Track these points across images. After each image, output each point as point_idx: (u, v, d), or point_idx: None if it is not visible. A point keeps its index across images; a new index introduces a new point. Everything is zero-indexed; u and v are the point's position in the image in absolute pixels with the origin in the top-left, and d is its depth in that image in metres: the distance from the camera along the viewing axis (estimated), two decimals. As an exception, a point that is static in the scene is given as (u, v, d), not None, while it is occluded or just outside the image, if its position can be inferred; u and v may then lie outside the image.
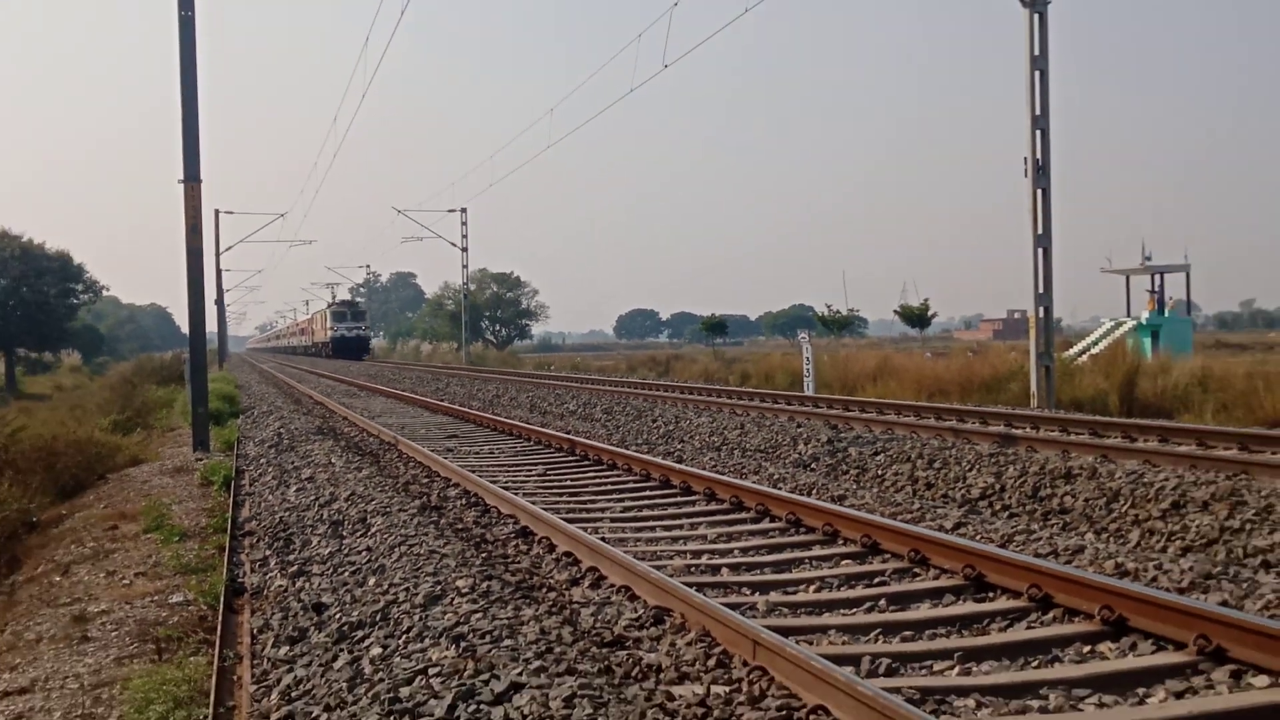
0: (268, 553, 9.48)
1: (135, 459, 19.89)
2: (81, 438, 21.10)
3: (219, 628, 7.26)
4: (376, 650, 6.16)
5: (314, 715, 5.40)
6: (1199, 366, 25.61)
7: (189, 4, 18.01)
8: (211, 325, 68.78)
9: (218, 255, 67.08)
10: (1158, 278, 45.31)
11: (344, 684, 5.72)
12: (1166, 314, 43.41)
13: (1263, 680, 5.28)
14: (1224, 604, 6.62)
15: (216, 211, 65.68)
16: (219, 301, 75.25)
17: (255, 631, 7.22)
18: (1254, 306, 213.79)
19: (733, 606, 6.69)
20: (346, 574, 8.16)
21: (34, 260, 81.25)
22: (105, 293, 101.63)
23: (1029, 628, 6.42)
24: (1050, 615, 6.56)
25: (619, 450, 14.62)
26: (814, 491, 11.68)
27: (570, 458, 15.25)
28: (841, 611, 6.96)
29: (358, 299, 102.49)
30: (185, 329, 20.05)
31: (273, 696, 5.87)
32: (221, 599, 7.93)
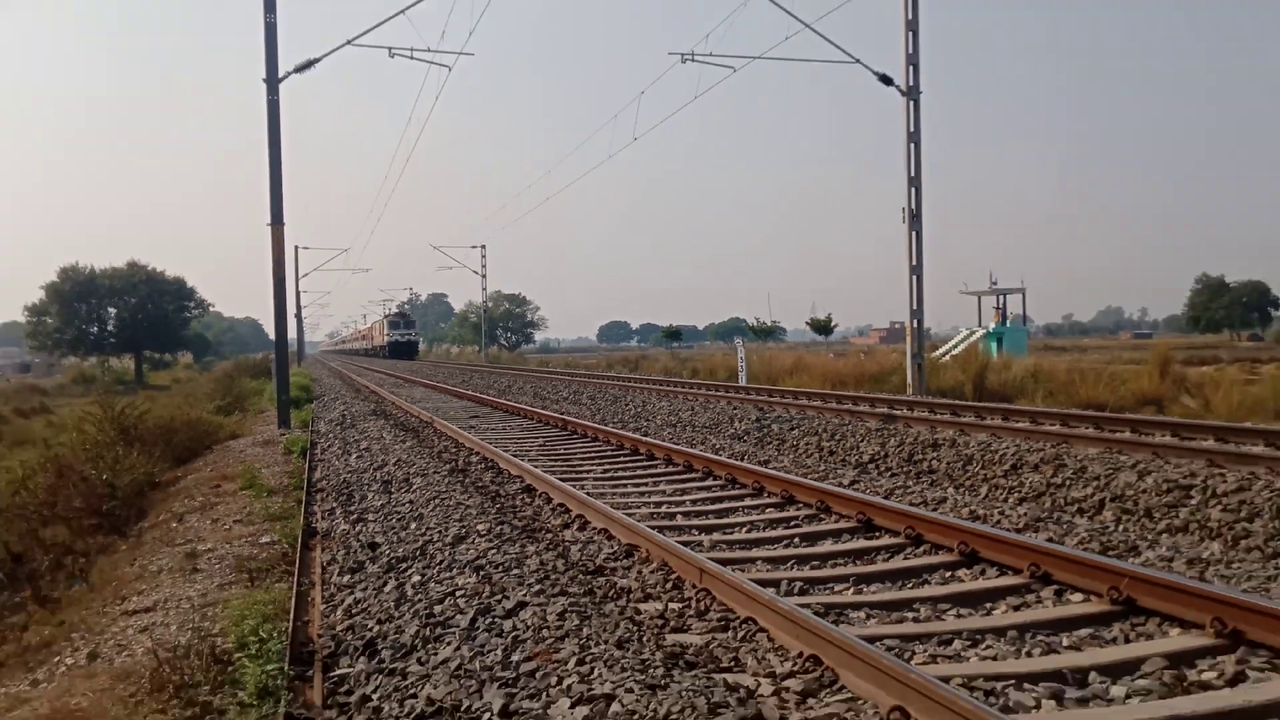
0: (334, 505, 9.41)
1: (234, 434, 19.70)
2: (192, 418, 20.88)
3: (297, 561, 7.20)
4: (416, 578, 6.13)
5: (369, 626, 5.37)
6: (1032, 364, 25.79)
7: (275, 91, 17.90)
8: (291, 333, 68.61)
9: (297, 280, 66.57)
10: (1002, 297, 45.60)
11: (391, 603, 5.69)
12: (1008, 324, 43.69)
13: (1078, 597, 5.32)
14: (1050, 539, 6.68)
15: (296, 247, 65.32)
16: (298, 315, 74.58)
17: (324, 564, 7.17)
18: (1072, 319, 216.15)
19: (685, 544, 6.69)
20: (394, 520, 8.12)
21: (157, 284, 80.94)
22: (211, 308, 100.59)
23: (905, 559, 6.43)
24: (922, 549, 6.58)
25: (600, 427, 14.60)
26: (745, 457, 11.70)
27: (563, 432, 15.22)
28: (766, 547, 6.97)
29: (407, 310, 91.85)
30: (272, 336, 19.91)
31: (338, 613, 5.84)
32: (299, 540, 7.86)
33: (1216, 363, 35.10)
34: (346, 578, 6.57)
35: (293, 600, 6.01)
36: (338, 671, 4.80)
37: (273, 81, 17.83)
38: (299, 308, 74.16)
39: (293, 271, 63.77)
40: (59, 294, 77.58)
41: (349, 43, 19.25)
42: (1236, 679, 4.10)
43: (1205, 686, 4.06)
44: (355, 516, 8.60)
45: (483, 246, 66.29)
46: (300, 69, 18.56)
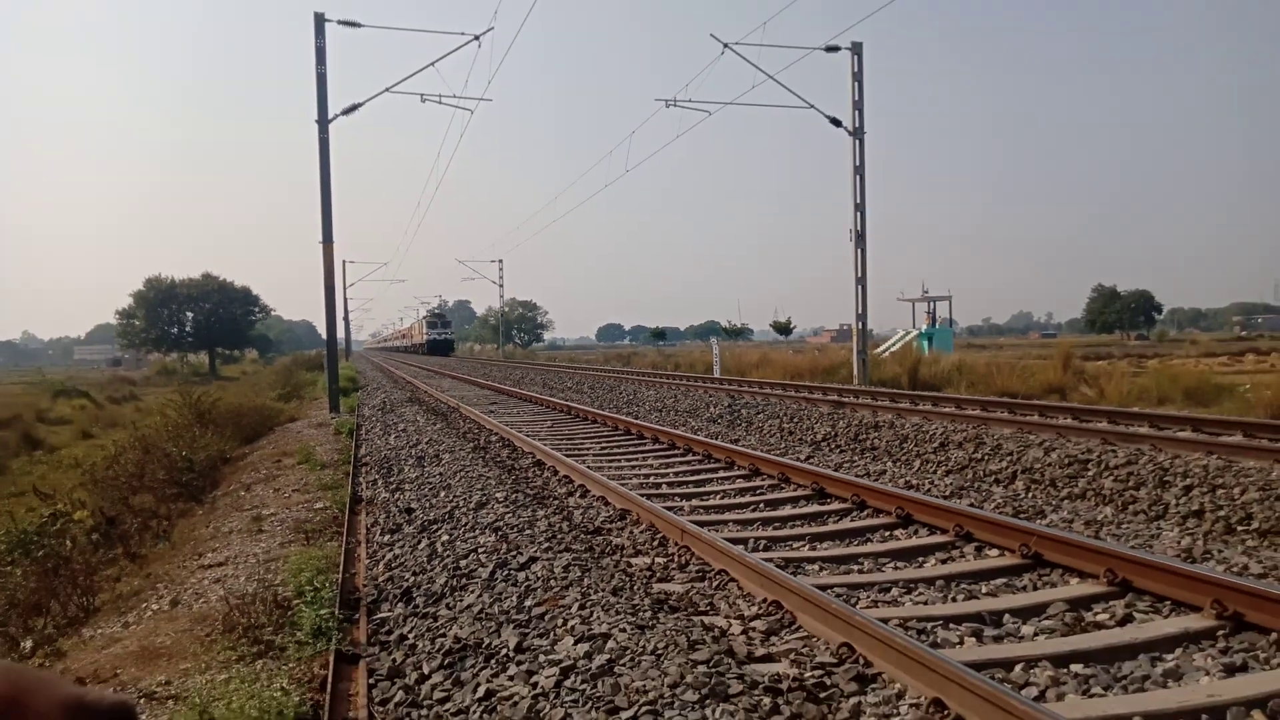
0: (376, 476, 9.37)
1: (292, 418, 19.60)
2: (257, 404, 20.79)
3: (345, 524, 7.17)
4: (445, 537, 6.11)
5: (405, 577, 5.35)
6: (957, 359, 25.79)
7: (325, 130, 17.81)
8: (340, 333, 68.33)
9: (345, 289, 66.00)
10: (932, 303, 45.68)
11: (424, 558, 5.67)
12: (937, 326, 43.75)
13: (995, 553, 5.34)
14: (971, 505, 6.69)
15: (344, 262, 65.06)
16: (345, 318, 74.24)
17: (368, 526, 7.14)
18: (990, 322, 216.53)
19: (669, 508, 6.69)
20: (426, 489, 8.09)
21: (227, 292, 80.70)
22: (273, 312, 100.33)
23: (852, 521, 6.44)
24: (865, 513, 6.59)
25: (598, 411, 14.58)
26: (719, 437, 11.70)
27: (567, 416, 15.19)
28: (735, 511, 6.97)
29: (443, 311, 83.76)
30: (324, 336, 19.84)
31: (379, 566, 5.81)
32: (347, 506, 7.83)
33: (1109, 358, 35.23)
34: (387, 537, 6.54)
35: (342, 556, 5.98)
36: (379, 615, 4.79)
37: (323, 122, 17.73)
38: (346, 312, 73.82)
39: (341, 282, 63.55)
40: (145, 300, 77.38)
41: (387, 90, 19.15)
42: (1125, 620, 4.13)
43: (1099, 626, 4.08)
44: (394, 486, 8.57)
45: (500, 260, 66.03)
46: (346, 112, 18.45)
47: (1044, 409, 12.45)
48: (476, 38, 17.99)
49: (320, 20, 17.38)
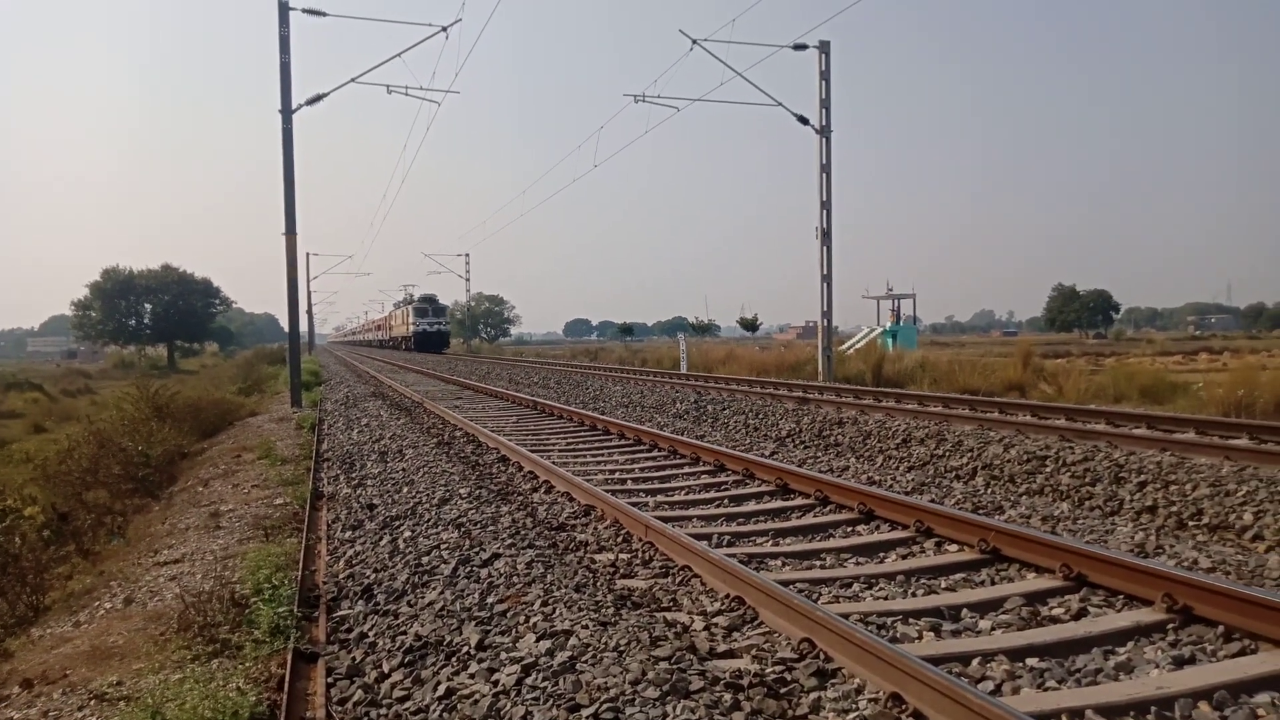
0: (338, 472, 9.26)
1: (253, 412, 19.33)
2: (217, 398, 20.47)
3: (305, 520, 7.07)
4: (408, 533, 6.06)
5: (366, 574, 5.29)
6: (920, 356, 26.11)
7: (289, 120, 17.54)
8: (303, 327, 67.44)
9: (308, 282, 65.24)
10: (896, 301, 46.22)
11: (386, 554, 5.62)
12: (901, 324, 44.25)
13: (955, 548, 5.40)
14: (932, 500, 6.77)
15: (307, 254, 64.20)
16: (308, 311, 73.38)
17: (329, 522, 7.05)
18: (953, 319, 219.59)
19: (634, 504, 6.68)
20: (389, 485, 8.01)
21: (187, 283, 79.43)
22: (234, 305, 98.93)
23: (815, 516, 6.46)
24: (828, 508, 6.62)
25: (564, 407, 14.54)
26: (685, 433, 11.71)
27: (534, 411, 15.13)
28: (700, 507, 6.97)
29: (436, 296, 64.21)
30: (286, 329, 19.57)
31: (340, 563, 5.74)
32: (307, 501, 7.73)
33: (1068, 356, 35.88)
34: (348, 534, 6.47)
35: (301, 553, 5.90)
36: (340, 613, 4.73)
37: (287, 112, 17.48)
38: (310, 305, 72.96)
39: (304, 274, 62.79)
40: (102, 291, 75.88)
41: (353, 80, 18.91)
42: (1080, 614, 4.19)
43: (1055, 620, 4.14)
44: (356, 482, 8.48)
45: (467, 254, 65.42)
46: (310, 102, 18.20)
47: (1004, 406, 12.63)
48: (444, 29, 17.84)
49: (284, 8, 17.11)
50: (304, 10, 17.41)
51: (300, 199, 17.96)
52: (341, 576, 5.38)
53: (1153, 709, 3.14)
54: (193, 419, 16.37)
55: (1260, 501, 6.20)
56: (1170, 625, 3.95)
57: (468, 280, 67.52)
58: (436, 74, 54.52)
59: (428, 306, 61.31)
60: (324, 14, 17.61)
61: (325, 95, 18.42)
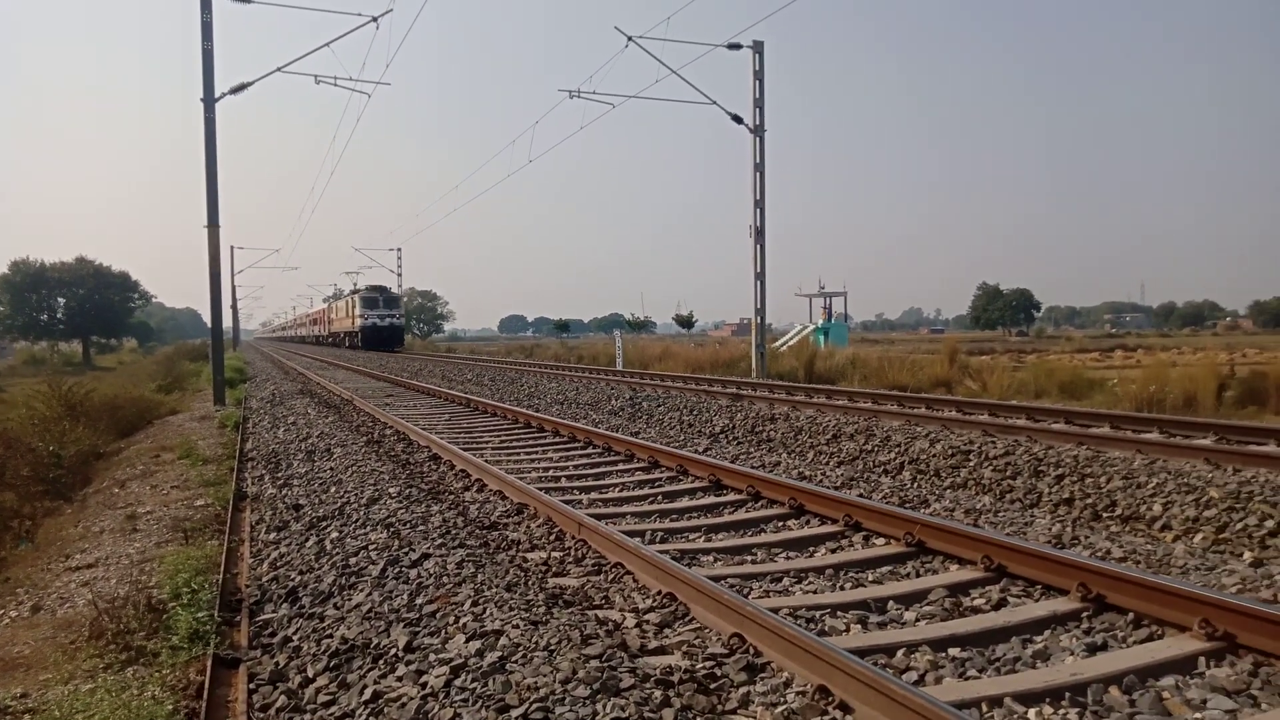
0: (263, 472, 9.01)
1: (173, 410, 18.67)
2: (136, 396, 19.71)
3: (228, 521, 6.88)
4: (335, 534, 5.92)
5: (291, 577, 5.16)
6: (851, 353, 26.61)
7: (211, 109, 16.99)
8: (227, 323, 65.43)
9: (232, 276, 63.50)
10: (828, 299, 47.01)
11: (312, 556, 5.48)
12: (833, 321, 45.03)
13: (882, 541, 5.51)
14: (860, 495, 6.89)
15: (231, 247, 62.49)
16: (233, 306, 71.37)
17: (253, 524, 6.86)
18: (883, 317, 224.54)
19: (567, 502, 6.66)
20: (316, 485, 7.82)
21: (103, 277, 76.24)
22: (154, 299, 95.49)
23: (747, 511, 6.52)
24: (760, 503, 6.69)
25: (498, 404, 14.41)
26: (620, 430, 11.71)
27: (466, 409, 14.95)
28: (633, 503, 6.99)
29: (389, 287, 54.88)
30: (210, 324, 18.99)
31: (264, 565, 5.59)
32: (231, 502, 7.51)
33: (992, 353, 36.98)
34: (273, 535, 6.30)
35: (223, 555, 5.73)
36: (263, 616, 4.60)
37: (209, 101, 16.93)
38: (234, 300, 70.97)
39: (228, 268, 60.97)
40: (10, 285, 72.42)
41: (279, 70, 18.42)
42: (1000, 604, 4.32)
43: (976, 611, 4.26)
44: (282, 482, 8.26)
45: (398, 249, 64.21)
46: (234, 91, 17.66)
47: (931, 402, 12.94)
48: (374, 19, 17.49)
49: (206, -7, 16.55)
50: (228, -4, 16.86)
51: (225, 190, 17.44)
52: (265, 579, 5.24)
53: (1067, 695, 3.26)
54: (109, 418, 15.74)
55: (1169, 493, 6.48)
56: (1084, 614, 4.09)
57: (400, 275, 66.42)
58: (367, 65, 53.57)
59: (378, 297, 51.40)
60: (250, 0, 17.10)
61: (250, 84, 17.89)
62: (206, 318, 19.00)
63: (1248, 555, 5.43)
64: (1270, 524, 5.69)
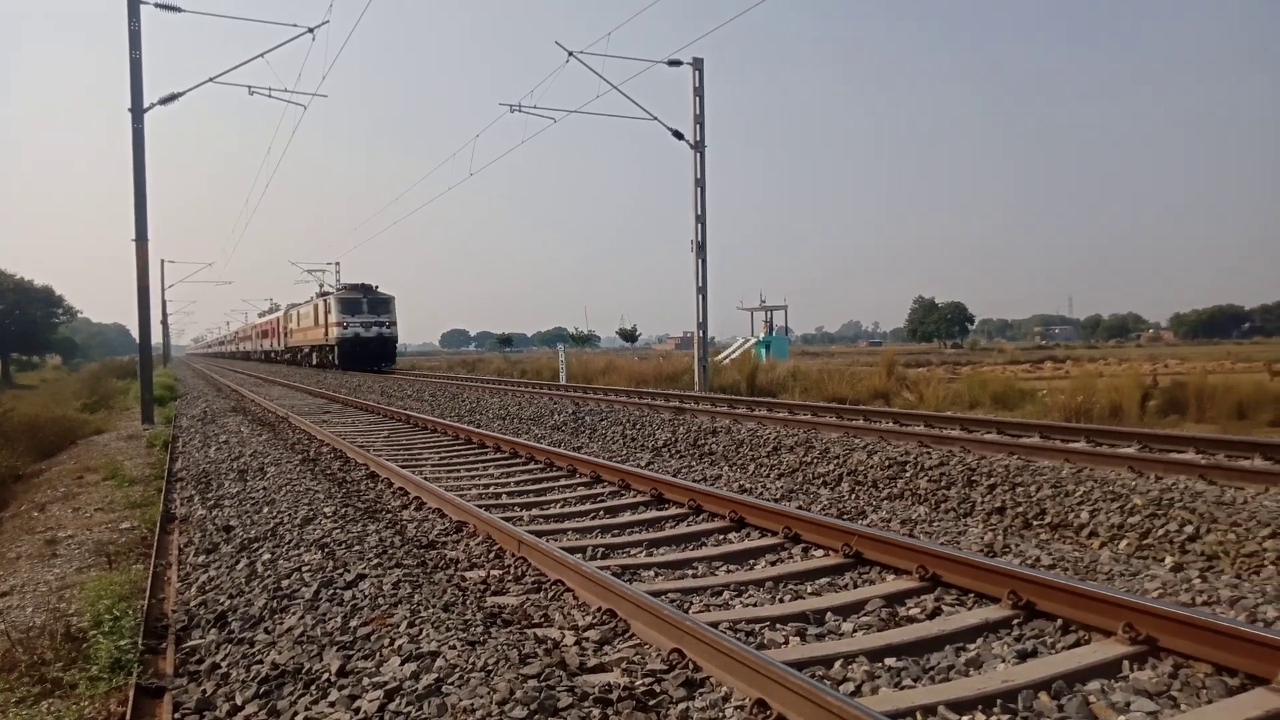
0: (193, 492, 8.74)
1: (99, 430, 18.00)
2: (58, 415, 18.98)
3: (155, 544, 6.63)
4: (267, 556, 5.76)
5: (221, 600, 5.00)
6: (792, 366, 26.93)
7: (140, 120, 16.51)
8: (157, 338, 63.52)
9: (163, 290, 61.79)
10: (769, 312, 47.49)
11: (243, 579, 5.32)
12: (774, 334, 45.52)
13: (820, 553, 5.57)
14: (799, 507, 6.95)
15: (162, 260, 60.64)
16: (163, 322, 69.37)
17: (181, 546, 6.63)
18: (823, 330, 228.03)
19: (507, 519, 6.59)
20: (248, 505, 7.61)
21: (24, 292, 73.46)
22: (79, 314, 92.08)
23: (688, 525, 6.53)
24: (701, 517, 6.71)
25: (438, 420, 14.22)
26: (562, 445, 11.64)
27: (406, 425, 14.72)
28: (575, 519, 6.95)
29: (376, 286, 41.13)
30: (138, 339, 18.39)
31: (192, 589, 5.40)
32: (158, 524, 7.25)
33: (928, 365, 37.81)
34: (202, 558, 6.10)
35: (149, 580, 5.53)
36: (190, 643, 4.44)
37: (138, 111, 16.47)
38: (164, 315, 69.04)
39: (158, 282, 59.17)
40: (-77, 299, 69.30)
41: (211, 80, 18.01)
42: (935, 613, 4.39)
43: (912, 620, 4.32)
44: (212, 502, 8.02)
45: (337, 263, 62.70)
46: (164, 101, 17.21)
47: (868, 414, 13.15)
48: (310, 30, 17.24)
49: (134, 2, 16.11)
50: (156, 5, 16.46)
51: (156, 203, 16.96)
52: (193, 604, 5.07)
53: (999, 702, 3.32)
54: (29, 438, 15.12)
55: (1095, 500, 6.68)
56: (1015, 621, 4.18)
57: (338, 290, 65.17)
58: (303, 76, 52.64)
59: (360, 298, 38.80)
60: (179, 9, 16.71)
61: (181, 95, 17.46)
62: (135, 333, 18.38)
63: (1169, 560, 5.62)
64: (1189, 529, 5.90)
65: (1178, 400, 14.52)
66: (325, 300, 40.93)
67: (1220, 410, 13.65)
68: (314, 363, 44.14)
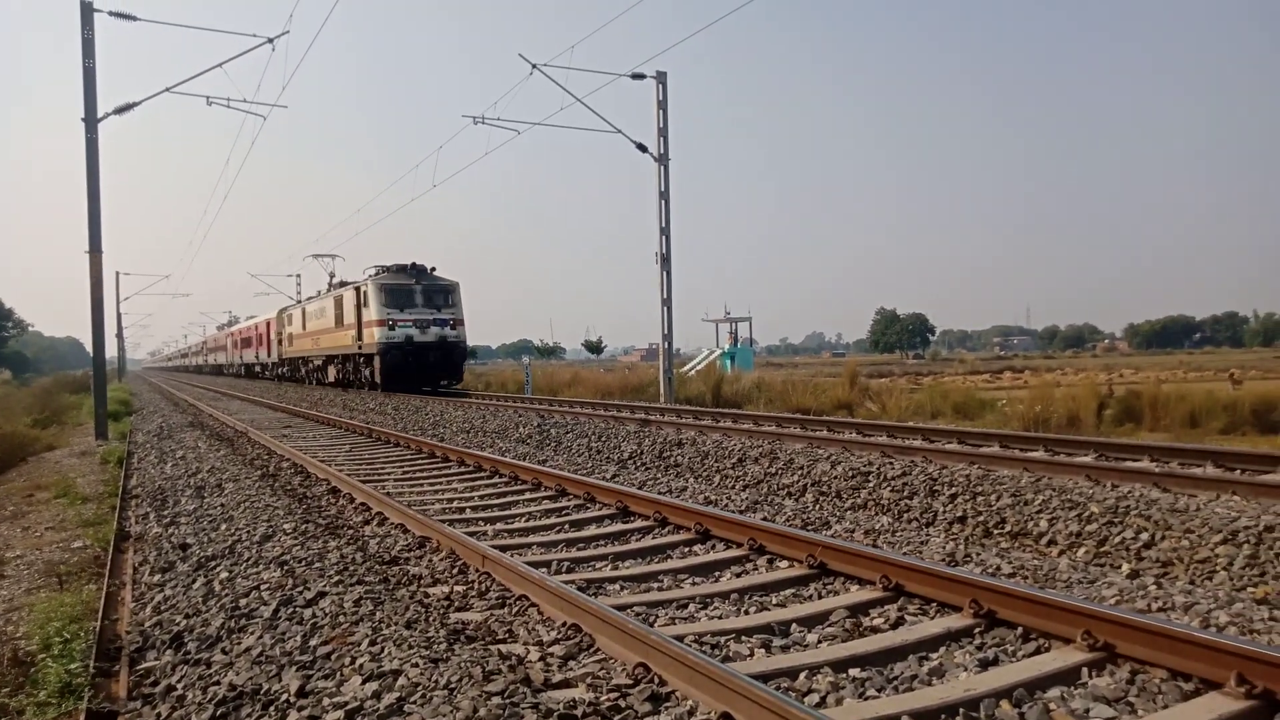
0: (148, 509, 8.55)
1: (50, 446, 17.54)
2: (7, 431, 18.42)
3: (108, 563, 6.48)
4: (225, 574, 5.64)
5: (177, 621, 4.90)
6: (756, 377, 27.06)
7: (94, 130, 16.21)
8: (112, 352, 62.11)
9: (117, 304, 60.43)
10: (734, 324, 47.81)
11: (199, 598, 5.22)
12: (739, 346, 45.78)
13: (785, 564, 5.58)
14: (764, 519, 6.96)
15: (117, 273, 59.57)
16: (118, 335, 67.92)
17: (136, 565, 6.49)
18: (787, 341, 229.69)
19: (471, 534, 6.53)
20: (205, 522, 7.46)
21: (-28, 305, 71.57)
22: (31, 328, 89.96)
23: (654, 538, 6.51)
24: (667, 530, 6.69)
25: (400, 434, 14.06)
26: (527, 458, 11.58)
27: (368, 439, 14.54)
28: (540, 533, 6.90)
29: (434, 270, 27.27)
30: (92, 353, 18.01)
31: (146, 610, 5.29)
32: (112, 543, 7.08)
33: (891, 376, 38.24)
34: (157, 577, 5.97)
35: (101, 600, 5.40)
36: (144, 665, 4.34)
37: (91, 121, 16.17)
38: (119, 328, 67.61)
39: (112, 295, 57.94)
40: None
41: (168, 90, 17.74)
42: (898, 623, 4.43)
43: (875, 630, 4.35)
44: (168, 520, 7.85)
45: (298, 275, 61.74)
46: (119, 111, 16.92)
47: (832, 425, 13.26)
48: (270, 40, 17.05)
49: (87, 9, 15.85)
50: (110, 13, 16.19)
51: (112, 214, 16.65)
52: (148, 625, 4.96)
53: (961, 710, 3.35)
54: (-25, 455, 14.68)
55: (1054, 509, 6.79)
56: (977, 629, 4.23)
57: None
58: (262, 87, 52.04)
59: (412, 285, 26.72)
60: (134, 18, 16.45)
61: (136, 104, 17.18)
62: (89, 347, 17.97)
63: (1125, 567, 5.73)
64: (1145, 536, 6.02)
65: (1132, 409, 14.82)
66: (357, 290, 27.65)
67: (1173, 419, 13.97)
68: (330, 379, 31.93)
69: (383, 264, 28.15)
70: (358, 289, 27.84)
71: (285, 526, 6.86)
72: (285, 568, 5.53)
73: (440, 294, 27.11)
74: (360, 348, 27.68)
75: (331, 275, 35.78)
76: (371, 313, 26.47)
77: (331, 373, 31.91)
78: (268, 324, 43.97)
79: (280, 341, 40.46)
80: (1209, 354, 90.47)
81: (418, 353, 25.92)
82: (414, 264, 27.38)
